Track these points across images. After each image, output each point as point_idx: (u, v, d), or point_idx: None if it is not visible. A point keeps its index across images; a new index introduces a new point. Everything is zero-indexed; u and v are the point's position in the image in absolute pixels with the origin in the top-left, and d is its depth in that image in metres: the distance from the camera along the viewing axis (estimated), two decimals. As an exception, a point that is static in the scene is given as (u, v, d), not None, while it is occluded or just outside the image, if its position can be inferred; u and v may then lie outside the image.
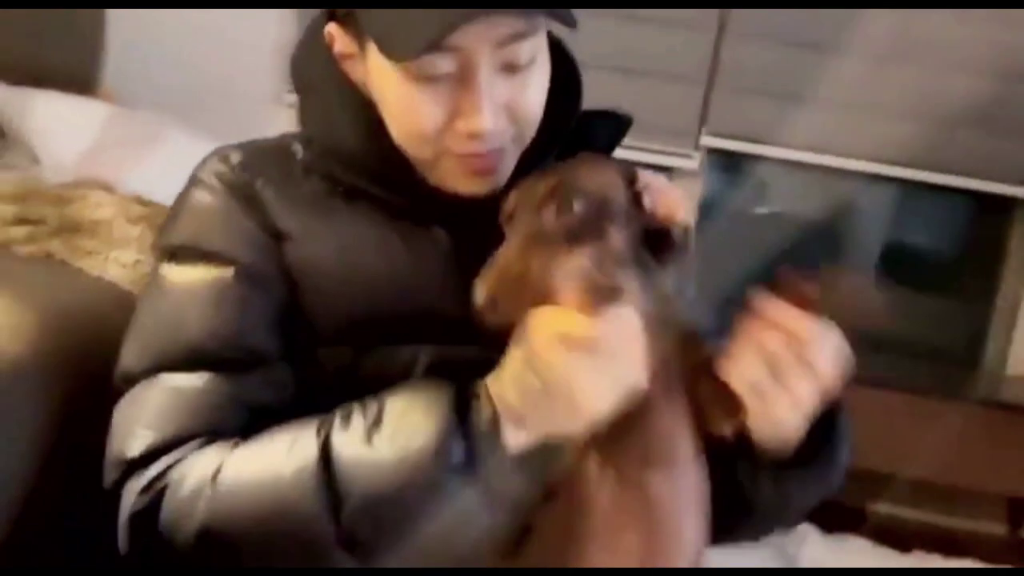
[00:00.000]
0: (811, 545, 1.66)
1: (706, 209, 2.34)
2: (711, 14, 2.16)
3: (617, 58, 2.17)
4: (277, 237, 0.72)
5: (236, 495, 0.59)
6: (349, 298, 0.70)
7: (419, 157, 0.73)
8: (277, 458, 0.60)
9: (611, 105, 0.82)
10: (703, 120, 2.20)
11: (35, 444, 0.66)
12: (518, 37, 0.67)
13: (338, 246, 0.72)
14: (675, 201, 0.68)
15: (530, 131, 0.74)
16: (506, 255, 0.63)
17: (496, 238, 0.65)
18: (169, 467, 0.62)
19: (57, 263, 0.93)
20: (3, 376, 0.64)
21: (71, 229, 1.02)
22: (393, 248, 0.72)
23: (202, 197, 0.73)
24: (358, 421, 0.60)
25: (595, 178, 0.66)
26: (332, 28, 0.73)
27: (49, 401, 0.69)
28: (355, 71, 0.74)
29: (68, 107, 1.53)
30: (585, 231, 0.63)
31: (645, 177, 0.69)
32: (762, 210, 2.45)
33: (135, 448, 0.63)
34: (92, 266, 0.95)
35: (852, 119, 2.15)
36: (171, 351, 0.67)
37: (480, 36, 0.66)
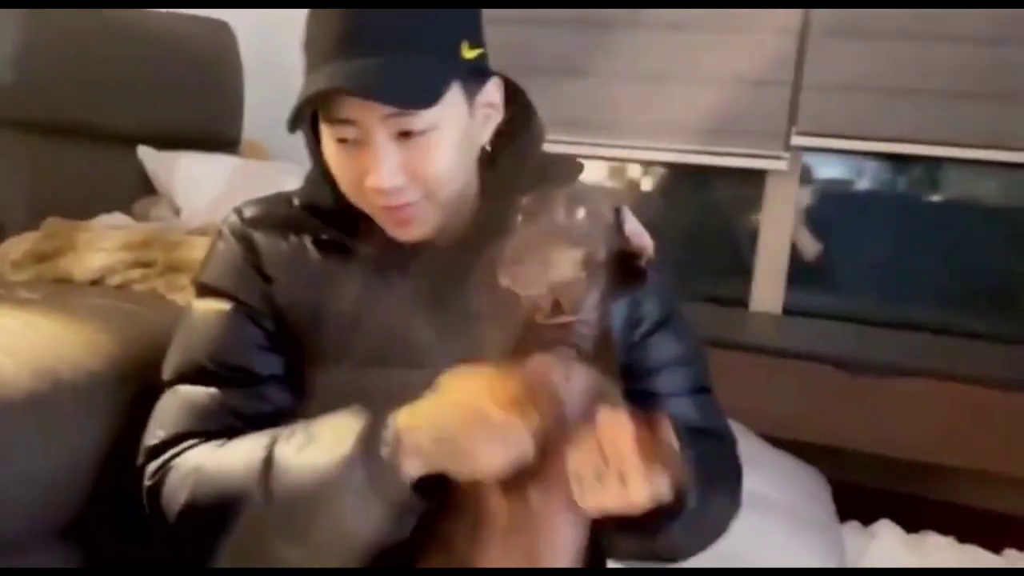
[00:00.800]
0: (886, 543, 1.66)
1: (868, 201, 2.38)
2: (793, 14, 2.18)
3: (702, 67, 2.25)
4: (267, 280, 0.88)
5: (210, 482, 0.79)
6: (322, 330, 0.86)
7: (363, 209, 0.85)
8: (240, 458, 0.78)
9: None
10: (792, 120, 2.22)
11: (106, 437, 0.90)
12: (401, 112, 0.77)
13: (310, 288, 0.86)
14: (649, 238, 0.80)
15: (440, 189, 0.82)
16: (521, 236, 0.73)
17: (447, 278, 0.82)
18: (173, 456, 0.82)
19: (155, 296, 1.21)
20: (83, 385, 0.90)
21: (175, 269, 1.30)
22: (356, 289, 0.85)
23: (219, 245, 0.92)
24: (298, 437, 0.77)
25: (597, 200, 0.78)
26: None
27: (121, 404, 0.93)
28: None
29: (205, 163, 1.85)
30: (585, 233, 0.75)
31: (626, 212, 0.80)
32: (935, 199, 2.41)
33: (152, 440, 0.84)
34: (182, 298, 1.21)
35: (946, 105, 2.09)
36: (186, 367, 0.86)
37: (365, 111, 0.77)
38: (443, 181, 0.82)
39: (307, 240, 0.89)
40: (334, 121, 0.80)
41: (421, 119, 0.78)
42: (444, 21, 0.81)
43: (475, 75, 0.83)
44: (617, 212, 0.79)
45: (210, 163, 1.86)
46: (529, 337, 0.77)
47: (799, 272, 2.35)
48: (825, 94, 2.17)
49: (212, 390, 0.85)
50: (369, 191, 0.81)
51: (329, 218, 0.89)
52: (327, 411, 0.83)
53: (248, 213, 0.93)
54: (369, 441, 0.72)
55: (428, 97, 0.78)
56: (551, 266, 0.73)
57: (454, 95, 0.81)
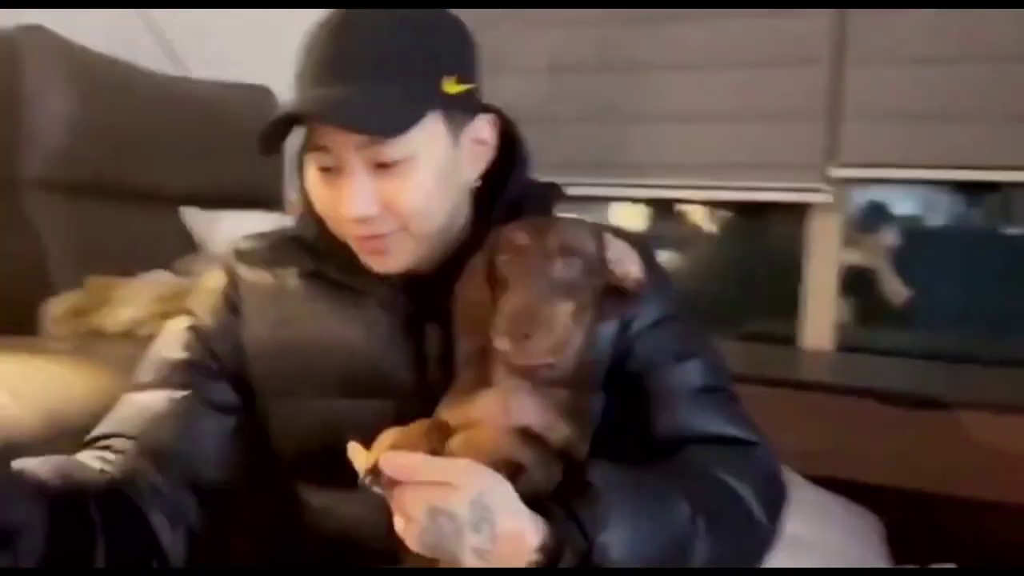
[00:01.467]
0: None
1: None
2: (821, 44, 2.16)
3: (732, 104, 2.24)
4: (236, 313, 0.90)
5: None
6: (290, 362, 0.86)
7: (342, 239, 0.84)
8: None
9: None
10: (830, 152, 2.18)
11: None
12: (374, 141, 0.77)
13: (281, 324, 0.88)
14: (631, 260, 0.80)
15: (416, 221, 0.82)
16: (525, 299, 0.72)
17: (426, 310, 0.83)
18: (104, 448, 0.85)
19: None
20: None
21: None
22: (335, 319, 0.86)
23: (209, 275, 0.95)
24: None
25: (585, 237, 0.77)
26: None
27: None
28: None
29: (245, 221, 1.92)
30: (578, 285, 0.75)
31: (608, 238, 0.80)
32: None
33: (95, 432, 0.87)
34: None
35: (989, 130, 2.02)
36: (140, 377, 0.90)
37: (340, 139, 0.78)
38: (419, 213, 0.82)
39: (291, 273, 0.91)
40: (312, 148, 0.81)
41: (395, 149, 0.78)
42: (423, 53, 0.81)
43: (461, 109, 0.83)
44: (599, 241, 0.79)
45: (251, 220, 1.93)
46: (504, 372, 0.76)
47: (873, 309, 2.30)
48: (863, 123, 2.14)
49: (152, 395, 0.88)
50: (344, 220, 0.82)
51: (314, 250, 0.90)
52: (297, 443, 0.86)
53: (240, 246, 0.96)
54: None
55: (396, 126, 0.77)
56: (553, 329, 0.72)
57: (434, 128, 0.81)
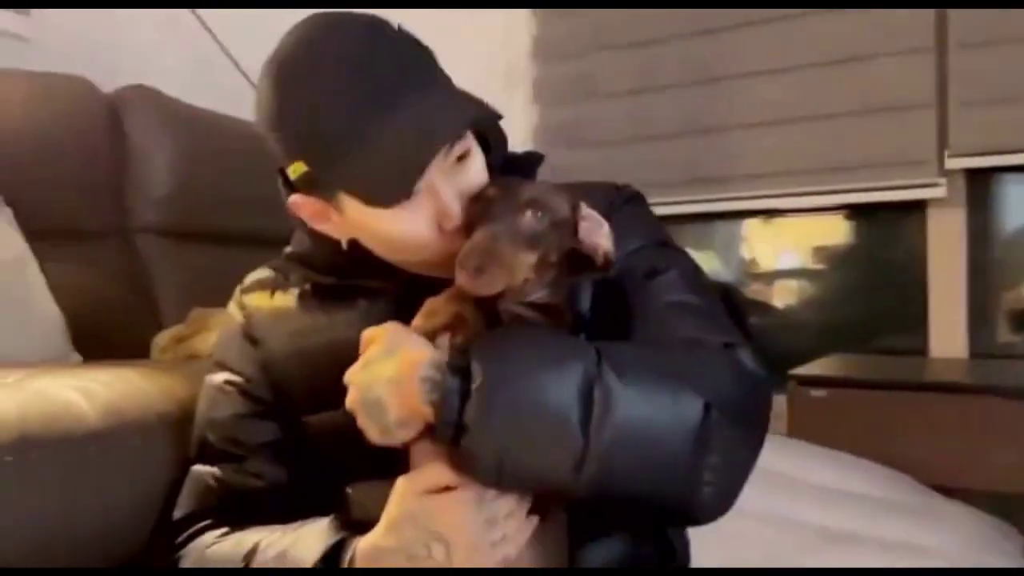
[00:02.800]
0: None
1: None
2: (926, 33, 2.03)
3: (830, 103, 2.13)
4: (254, 343, 0.93)
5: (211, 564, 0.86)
6: (314, 376, 0.88)
7: (431, 263, 0.82)
8: (231, 555, 0.84)
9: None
10: (943, 144, 2.03)
11: (168, 470, 0.97)
12: (460, 135, 0.80)
13: (287, 338, 0.90)
14: (603, 234, 0.81)
15: None
16: (485, 237, 0.75)
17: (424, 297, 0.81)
18: (185, 540, 0.89)
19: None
20: (149, 423, 0.98)
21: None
22: (335, 324, 0.88)
23: (227, 318, 0.99)
24: (272, 552, 0.82)
25: (557, 199, 0.80)
26: (297, 199, 0.84)
27: (183, 441, 1.00)
28: (325, 223, 0.86)
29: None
30: (544, 238, 0.78)
31: (585, 209, 0.83)
32: None
33: (174, 516, 0.91)
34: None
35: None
36: (195, 444, 0.94)
37: (437, 162, 0.77)
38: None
39: (293, 291, 0.94)
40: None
41: (468, 140, 0.81)
42: (426, 55, 0.83)
43: None
44: (574, 210, 0.81)
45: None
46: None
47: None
48: (976, 110, 1.98)
49: (213, 469, 0.91)
50: (449, 236, 0.80)
51: (311, 264, 0.92)
52: (327, 456, 0.88)
53: (247, 280, 1.00)
54: (330, 561, 0.77)
55: (482, 107, 0.81)
56: (511, 272, 0.75)
57: None
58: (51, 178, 1.56)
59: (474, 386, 0.69)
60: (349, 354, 0.79)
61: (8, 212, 1.35)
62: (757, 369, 0.79)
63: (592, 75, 2.42)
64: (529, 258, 0.77)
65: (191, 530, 0.90)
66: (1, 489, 0.82)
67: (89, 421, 0.93)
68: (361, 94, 0.76)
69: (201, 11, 1.97)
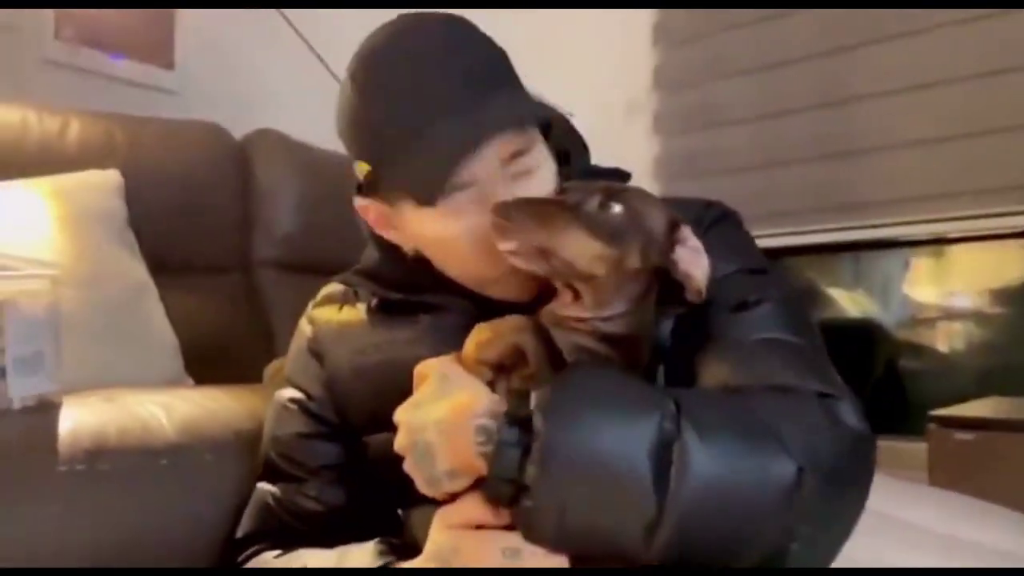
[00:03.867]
0: None
1: None
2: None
3: (975, 118, 1.95)
4: (319, 359, 0.91)
5: None
6: (363, 393, 0.87)
7: (484, 279, 0.80)
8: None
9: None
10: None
11: (242, 486, 0.99)
12: (518, 154, 0.76)
13: (351, 355, 0.88)
14: (700, 265, 0.73)
15: None
16: (542, 202, 0.72)
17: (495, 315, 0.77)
18: (245, 558, 0.90)
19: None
20: (224, 440, 1.00)
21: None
22: (400, 341, 0.85)
23: (299, 329, 0.97)
24: (325, 565, 0.81)
25: (644, 203, 0.74)
26: (362, 202, 0.84)
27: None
28: (389, 229, 0.85)
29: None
30: (614, 233, 0.71)
31: (686, 232, 0.75)
32: None
33: (237, 535, 0.92)
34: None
35: None
36: (260, 460, 0.94)
37: (487, 163, 0.74)
38: None
39: (361, 306, 0.91)
40: (452, 190, 0.75)
41: (537, 151, 0.78)
42: (500, 57, 0.80)
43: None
44: (673, 227, 0.74)
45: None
46: (551, 325, 0.73)
47: None
48: None
49: (274, 488, 0.92)
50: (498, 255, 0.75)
51: (379, 277, 0.90)
52: (386, 478, 0.83)
53: (322, 292, 0.99)
54: None
55: (539, 111, 0.78)
56: (549, 232, 0.70)
57: (536, 130, 0.80)
58: (181, 216, 1.67)
59: (534, 442, 0.63)
60: (408, 374, 0.77)
61: (133, 241, 1.45)
62: (858, 424, 0.70)
63: (715, 103, 2.35)
64: (591, 245, 0.70)
65: (249, 551, 0.91)
66: (72, 496, 0.86)
67: (165, 435, 0.96)
68: (428, 94, 0.75)
69: (329, 58, 2.07)
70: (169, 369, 1.39)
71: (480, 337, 0.72)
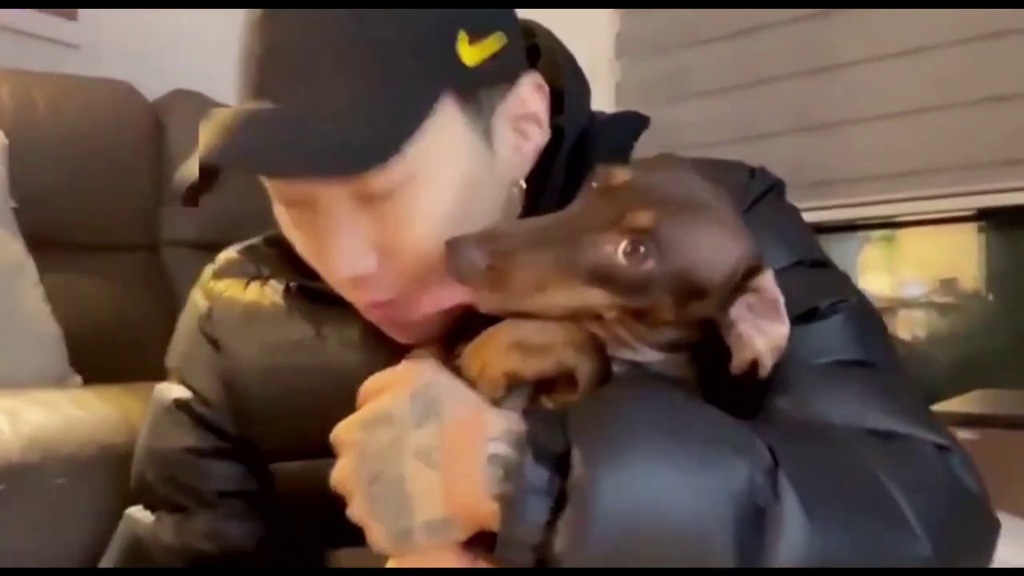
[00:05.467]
0: None
1: None
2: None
3: (962, 89, 1.81)
4: (216, 347, 0.72)
5: None
6: (275, 404, 0.68)
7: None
8: None
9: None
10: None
11: (98, 508, 0.81)
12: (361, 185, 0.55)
13: (258, 351, 0.70)
14: (773, 335, 0.51)
15: (434, 266, 0.54)
16: (510, 227, 0.51)
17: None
18: None
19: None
20: (84, 457, 0.82)
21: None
22: (323, 344, 0.67)
23: (191, 302, 0.76)
24: None
25: (703, 230, 0.50)
26: None
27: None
28: None
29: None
30: (636, 287, 0.49)
31: (767, 281, 0.51)
32: None
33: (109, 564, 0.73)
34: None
35: None
36: (136, 481, 0.73)
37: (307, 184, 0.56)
38: (425, 259, 0.56)
39: (273, 287, 0.72)
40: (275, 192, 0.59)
41: (386, 175, 0.53)
42: (408, 18, 0.54)
43: (489, 81, 0.58)
44: (750, 273, 0.51)
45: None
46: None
47: None
48: None
49: (150, 520, 0.72)
50: (335, 280, 0.60)
51: (297, 257, 0.68)
52: (302, 517, 0.67)
53: (223, 256, 0.77)
54: None
55: (375, 154, 0.51)
56: (547, 295, 0.49)
57: (445, 123, 0.55)
58: (79, 187, 1.48)
59: (571, 490, 0.43)
60: (340, 386, 0.58)
61: (9, 214, 1.24)
62: (976, 487, 0.53)
63: (683, 72, 2.20)
64: (601, 297, 0.49)
65: None
66: None
67: (5, 451, 0.77)
68: (259, 62, 0.55)
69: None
70: (47, 364, 1.20)
71: (510, 337, 0.51)
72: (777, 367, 0.51)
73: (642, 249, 0.48)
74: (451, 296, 0.57)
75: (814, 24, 2.03)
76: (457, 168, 0.56)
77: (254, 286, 0.73)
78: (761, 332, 0.50)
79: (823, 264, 0.64)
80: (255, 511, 0.71)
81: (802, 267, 0.61)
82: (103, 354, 1.33)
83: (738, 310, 0.50)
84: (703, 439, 0.45)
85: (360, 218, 0.55)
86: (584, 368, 0.49)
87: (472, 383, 0.51)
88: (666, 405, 0.47)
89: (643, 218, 0.48)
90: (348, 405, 0.59)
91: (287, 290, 0.71)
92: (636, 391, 0.49)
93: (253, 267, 0.74)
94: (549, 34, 0.70)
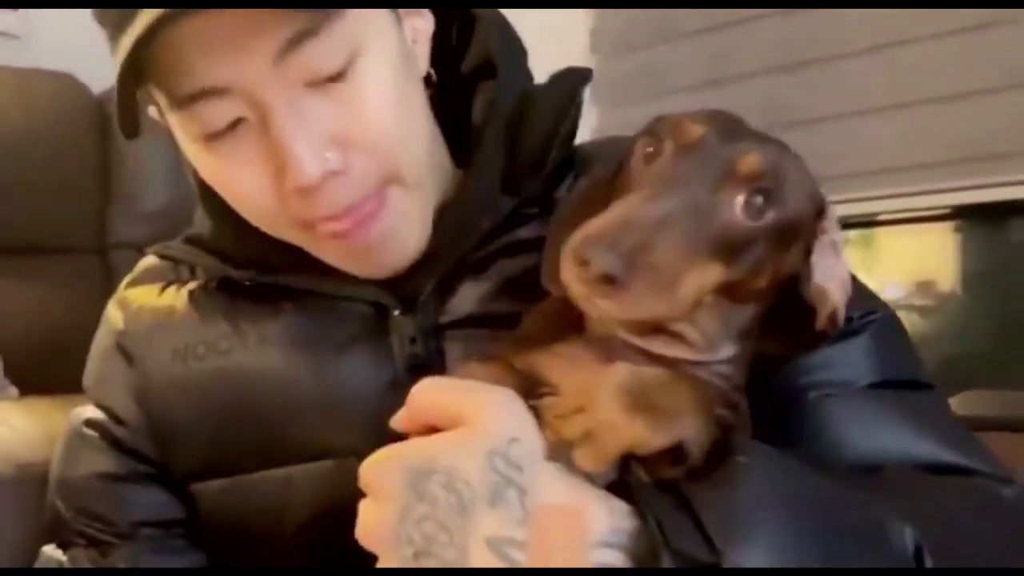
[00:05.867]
0: None
1: None
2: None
3: (958, 80, 1.79)
4: (129, 360, 0.65)
5: None
6: (190, 414, 0.61)
7: (292, 242, 0.58)
8: None
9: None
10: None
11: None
12: (299, 39, 0.49)
13: (171, 356, 0.63)
14: (839, 276, 0.46)
15: (400, 153, 0.54)
16: (635, 204, 0.40)
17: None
18: None
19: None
20: (6, 483, 0.73)
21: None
22: (246, 343, 0.61)
23: (105, 316, 0.69)
24: None
25: (804, 182, 0.45)
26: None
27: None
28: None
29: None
30: (751, 244, 0.42)
31: (831, 221, 0.47)
32: None
33: None
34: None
35: None
36: (48, 515, 0.66)
37: (242, 60, 0.49)
38: (397, 136, 0.53)
39: (188, 287, 0.65)
40: (191, 99, 0.50)
41: (333, 45, 0.50)
42: None
43: None
44: (819, 214, 0.45)
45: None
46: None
47: None
48: None
49: (63, 558, 0.64)
50: (296, 205, 0.53)
51: (219, 251, 0.64)
52: (229, 544, 0.61)
53: (142, 264, 0.71)
54: None
55: None
56: (655, 279, 0.39)
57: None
58: (17, 185, 1.38)
59: None
60: (258, 389, 0.58)
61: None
62: None
63: (658, 69, 2.17)
64: (706, 269, 0.41)
65: None
66: None
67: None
68: None
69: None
70: (-20, 376, 1.10)
71: (629, 394, 0.39)
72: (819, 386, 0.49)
73: (759, 199, 0.41)
74: (411, 203, 0.55)
75: (789, 20, 2.00)
76: (390, 45, 0.54)
77: (171, 290, 0.66)
78: (830, 278, 0.45)
79: None
80: (184, 541, 0.64)
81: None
82: (44, 365, 1.23)
83: (818, 254, 0.44)
84: (843, 527, 0.39)
85: (312, 112, 0.51)
86: (698, 439, 0.39)
87: (562, 442, 0.39)
88: (793, 483, 0.40)
89: (754, 161, 0.41)
90: (269, 411, 0.58)
91: (204, 288, 0.65)
92: (763, 470, 0.40)
93: (172, 271, 0.68)
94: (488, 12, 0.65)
